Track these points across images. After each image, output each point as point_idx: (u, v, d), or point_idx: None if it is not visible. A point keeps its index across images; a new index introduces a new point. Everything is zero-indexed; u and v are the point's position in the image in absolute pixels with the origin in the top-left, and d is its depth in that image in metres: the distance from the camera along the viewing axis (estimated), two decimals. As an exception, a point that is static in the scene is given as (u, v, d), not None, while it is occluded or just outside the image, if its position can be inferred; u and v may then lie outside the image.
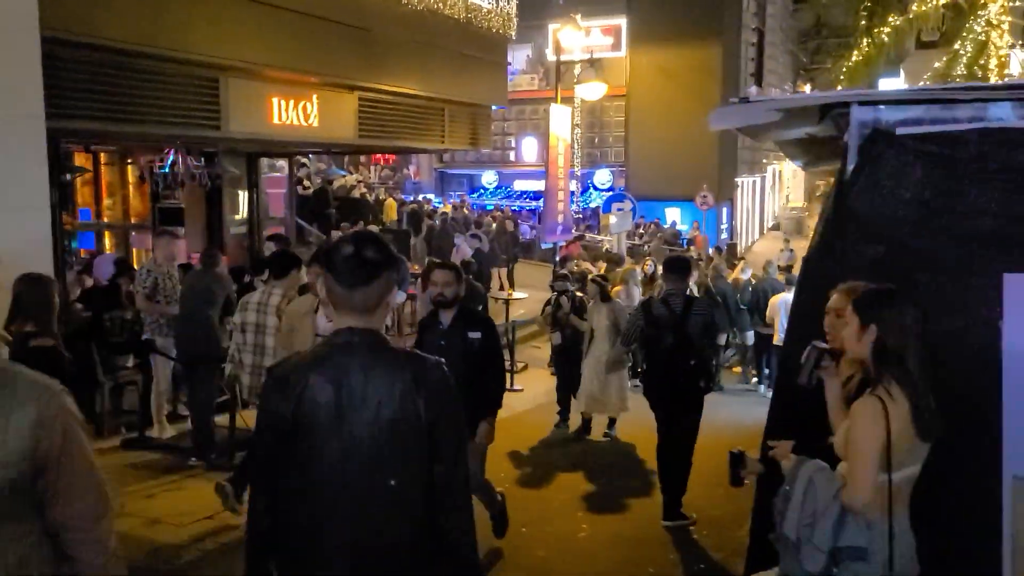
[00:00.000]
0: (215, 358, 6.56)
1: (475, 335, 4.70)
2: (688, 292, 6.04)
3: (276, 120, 8.78)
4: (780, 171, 37.50)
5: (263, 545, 2.22)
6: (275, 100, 8.75)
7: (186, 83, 7.64)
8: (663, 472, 5.81)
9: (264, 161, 14.58)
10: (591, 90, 13.88)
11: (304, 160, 21.21)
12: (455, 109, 12.09)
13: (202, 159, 10.86)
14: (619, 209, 16.00)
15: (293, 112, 8.97)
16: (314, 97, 9.26)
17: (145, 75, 7.16)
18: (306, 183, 17.69)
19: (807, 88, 47.63)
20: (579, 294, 9.13)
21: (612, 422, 8.29)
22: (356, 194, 22.41)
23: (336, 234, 15.06)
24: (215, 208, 13.86)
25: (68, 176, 9.80)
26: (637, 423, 7.41)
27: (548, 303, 9.01)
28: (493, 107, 13.21)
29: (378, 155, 34.75)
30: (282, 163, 14.70)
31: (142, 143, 11.28)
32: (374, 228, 14.30)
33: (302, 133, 9.20)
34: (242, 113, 8.35)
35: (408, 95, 10.85)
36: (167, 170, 11.18)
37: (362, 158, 34.36)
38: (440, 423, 2.15)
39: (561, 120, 12.03)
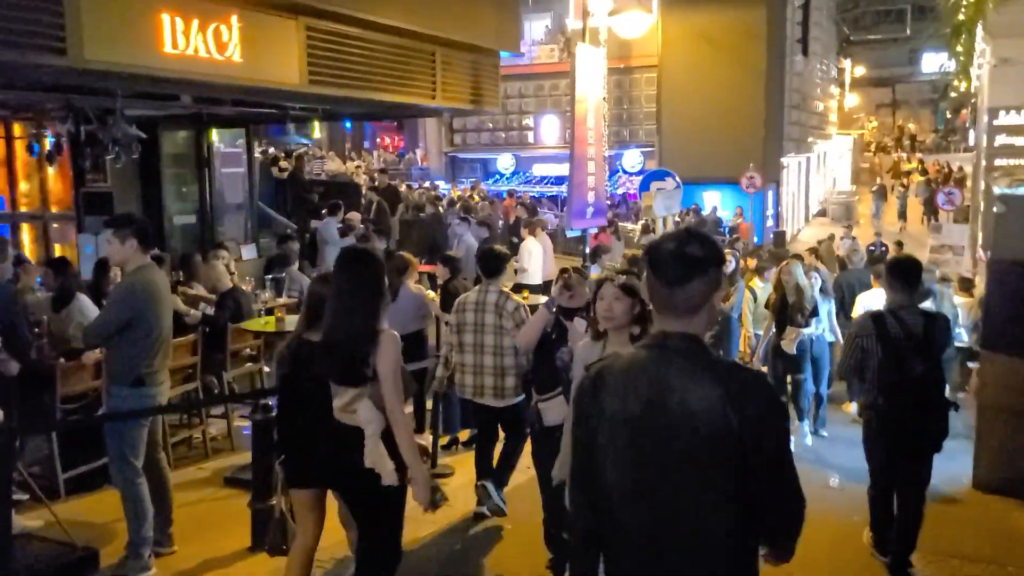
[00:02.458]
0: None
1: None
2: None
3: (169, 48, 5.85)
4: (825, 151, 34.13)
5: (589, 542, 2.17)
6: (166, 18, 5.81)
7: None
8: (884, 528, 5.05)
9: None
10: (631, 23, 10.63)
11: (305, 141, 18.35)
12: (451, 54, 9.10)
13: (108, 121, 7.95)
14: (660, 190, 12.95)
15: (198, 39, 6.03)
16: (233, 19, 6.31)
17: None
18: (283, 163, 14.79)
19: (847, 64, 44.26)
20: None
21: None
22: (360, 181, 19.63)
23: (316, 224, 12.12)
24: (154, 193, 11.07)
25: None
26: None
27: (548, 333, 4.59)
28: (503, 55, 10.20)
29: (385, 139, 31.92)
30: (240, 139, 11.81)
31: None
32: (355, 216, 11.37)
33: (214, 71, 6.26)
34: (106, 33, 5.42)
35: (384, 28, 7.90)
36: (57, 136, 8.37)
37: (366, 142, 31.54)
38: (760, 444, 1.96)
39: (590, 65, 8.92)
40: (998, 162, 19.45)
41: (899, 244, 19.10)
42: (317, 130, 30.06)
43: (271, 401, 4.71)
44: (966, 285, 11.21)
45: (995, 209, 6.22)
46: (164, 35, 5.80)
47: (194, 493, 5.96)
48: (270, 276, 7.98)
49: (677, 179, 13.56)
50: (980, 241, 19.82)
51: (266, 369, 7.14)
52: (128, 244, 4.40)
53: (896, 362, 4.55)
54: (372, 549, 3.55)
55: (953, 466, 6.86)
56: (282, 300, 7.86)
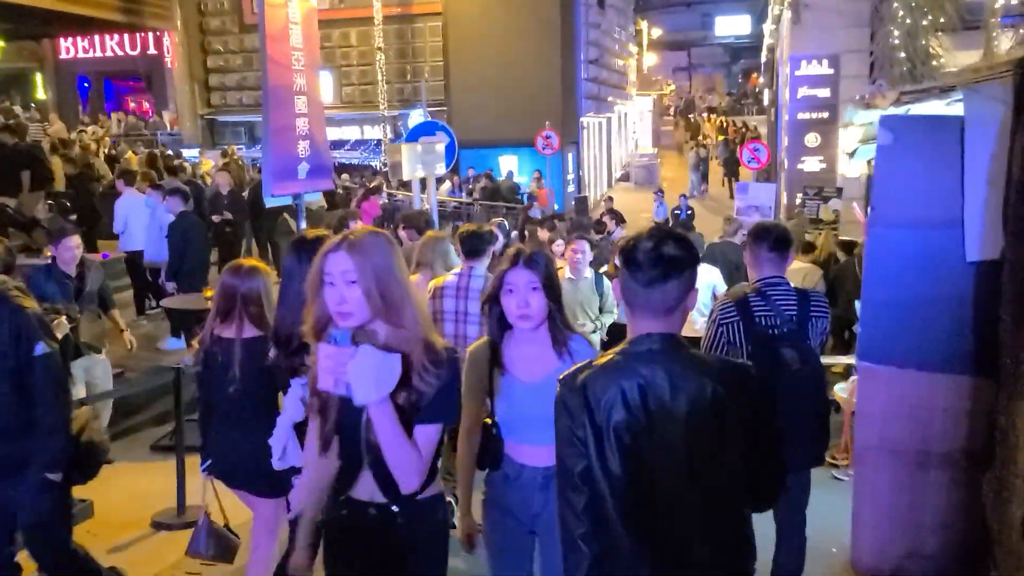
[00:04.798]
0: None
1: None
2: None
3: None
4: (626, 112, 32.85)
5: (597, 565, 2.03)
6: None
7: None
8: None
9: None
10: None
11: None
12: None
13: None
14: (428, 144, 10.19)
15: None
16: None
17: None
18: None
19: (644, 25, 43.55)
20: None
21: None
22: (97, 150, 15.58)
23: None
24: None
25: None
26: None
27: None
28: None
29: (144, 104, 27.18)
30: None
31: None
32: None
33: None
34: None
35: None
36: None
37: (107, 105, 26.80)
38: (758, 434, 2.06)
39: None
40: (801, 116, 18.41)
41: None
42: (41, 90, 25.12)
43: None
44: (808, 248, 9.48)
45: (879, 141, 3.91)
46: None
47: None
48: None
49: (451, 134, 10.88)
50: (785, 200, 18.79)
51: None
52: None
53: (767, 357, 3.51)
54: None
55: (819, 533, 4.56)
56: None
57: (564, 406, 2.04)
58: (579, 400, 2.01)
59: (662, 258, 1.99)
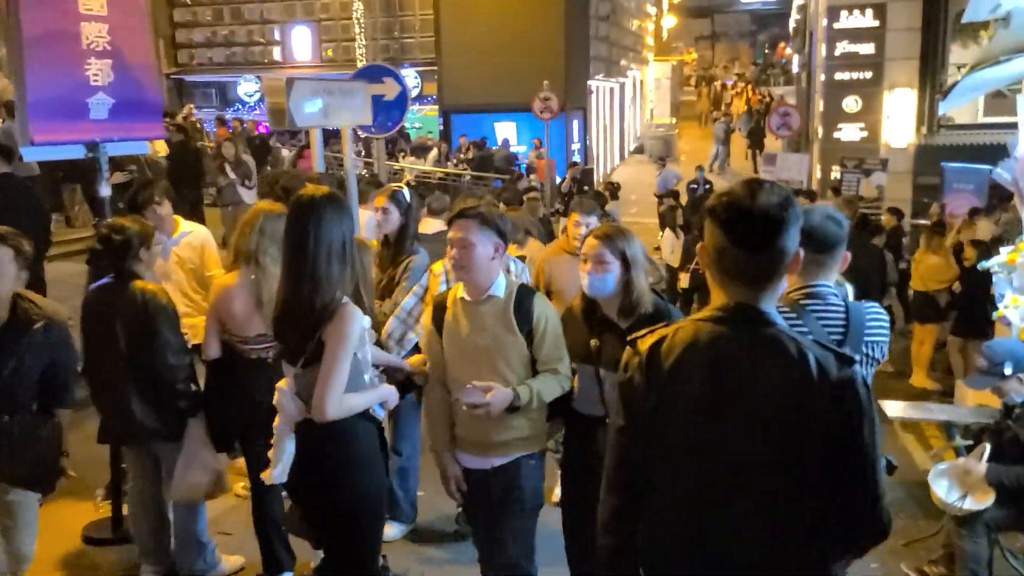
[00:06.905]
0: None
1: None
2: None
3: None
4: (642, 79, 30.25)
5: (624, 555, 1.90)
6: None
7: None
8: None
9: None
10: None
11: None
12: None
13: None
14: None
15: None
16: None
17: None
18: None
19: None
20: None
21: None
22: None
23: None
24: None
25: None
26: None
27: None
28: None
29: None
30: None
31: None
32: None
33: None
34: None
35: None
36: None
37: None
38: (845, 435, 1.70)
39: None
40: (838, 76, 15.97)
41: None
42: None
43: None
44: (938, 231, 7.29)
45: None
46: None
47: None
48: None
49: (404, 83, 8.58)
50: (819, 174, 16.39)
51: None
52: None
53: None
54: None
55: None
56: None
57: (630, 370, 1.87)
58: (646, 366, 1.83)
59: (768, 216, 1.71)
